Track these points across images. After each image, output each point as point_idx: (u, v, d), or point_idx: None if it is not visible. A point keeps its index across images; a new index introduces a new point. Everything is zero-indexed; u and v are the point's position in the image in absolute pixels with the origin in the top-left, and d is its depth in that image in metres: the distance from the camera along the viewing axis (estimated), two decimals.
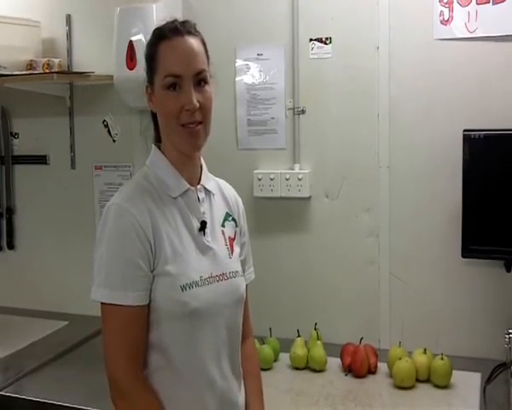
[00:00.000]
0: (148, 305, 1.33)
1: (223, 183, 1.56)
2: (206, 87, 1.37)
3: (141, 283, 1.31)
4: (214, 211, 1.46)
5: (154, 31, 1.40)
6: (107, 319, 1.32)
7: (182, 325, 1.34)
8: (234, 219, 1.51)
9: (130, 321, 1.31)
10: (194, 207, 1.42)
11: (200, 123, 1.36)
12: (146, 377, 1.35)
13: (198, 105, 1.34)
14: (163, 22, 1.40)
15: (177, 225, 1.38)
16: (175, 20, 1.39)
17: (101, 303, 1.32)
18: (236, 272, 1.45)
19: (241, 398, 1.48)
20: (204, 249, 1.40)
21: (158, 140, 1.45)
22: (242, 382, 1.50)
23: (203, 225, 1.41)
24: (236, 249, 1.49)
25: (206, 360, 1.37)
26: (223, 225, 1.47)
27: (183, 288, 1.33)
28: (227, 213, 1.50)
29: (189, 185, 1.41)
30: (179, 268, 1.34)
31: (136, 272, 1.30)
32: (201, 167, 1.47)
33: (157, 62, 1.36)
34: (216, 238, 1.44)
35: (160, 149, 1.44)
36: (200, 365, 1.36)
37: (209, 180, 1.48)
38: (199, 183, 1.44)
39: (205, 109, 1.36)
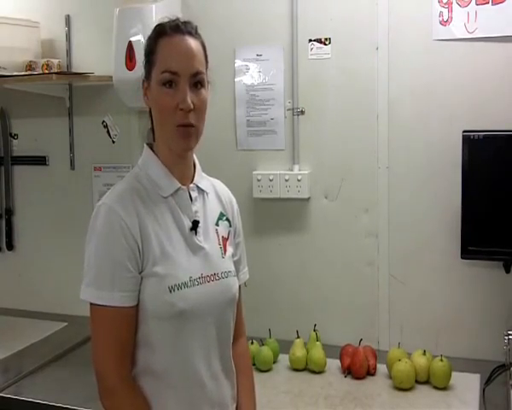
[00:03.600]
0: (137, 305, 1.33)
1: (217, 183, 1.55)
2: (202, 90, 1.37)
3: (128, 284, 1.31)
4: (208, 210, 1.46)
5: (156, 26, 1.40)
6: (95, 319, 1.33)
7: (169, 325, 1.33)
8: (228, 219, 1.51)
9: (118, 321, 1.31)
10: (185, 206, 1.41)
11: (193, 126, 1.35)
12: (133, 376, 1.35)
13: (192, 106, 1.33)
14: (165, 19, 1.40)
15: (168, 225, 1.37)
16: (177, 19, 1.39)
17: (90, 303, 1.33)
18: (229, 272, 1.44)
19: (232, 398, 1.47)
20: (195, 249, 1.39)
21: (154, 139, 1.44)
22: (235, 381, 1.49)
23: (195, 224, 1.40)
24: (229, 250, 1.48)
25: (194, 360, 1.36)
26: (217, 224, 1.47)
27: (171, 289, 1.32)
28: (221, 212, 1.50)
29: (180, 184, 1.40)
30: (168, 269, 1.34)
31: (124, 273, 1.30)
32: (194, 166, 1.46)
33: (155, 57, 1.36)
34: (209, 237, 1.43)
35: (152, 148, 1.43)
36: (188, 365, 1.36)
37: (202, 179, 1.47)
38: (192, 182, 1.44)
39: (199, 112, 1.35)
